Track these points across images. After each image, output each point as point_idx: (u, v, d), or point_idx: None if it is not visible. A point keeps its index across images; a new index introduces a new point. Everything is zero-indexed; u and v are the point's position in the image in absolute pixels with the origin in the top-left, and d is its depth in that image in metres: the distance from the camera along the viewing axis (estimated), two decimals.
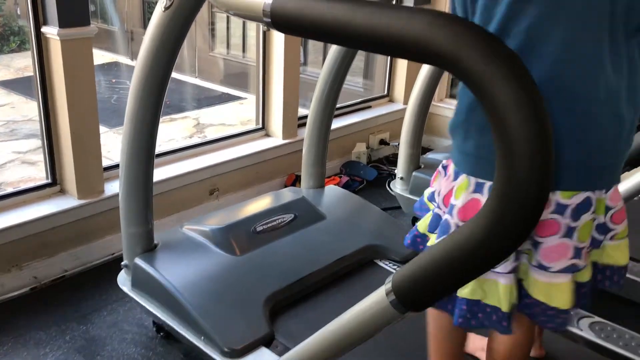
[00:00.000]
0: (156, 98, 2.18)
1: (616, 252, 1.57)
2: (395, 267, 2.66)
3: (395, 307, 1.30)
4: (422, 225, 1.68)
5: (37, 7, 2.64)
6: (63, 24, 2.60)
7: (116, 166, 3.01)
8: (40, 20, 2.66)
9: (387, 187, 3.67)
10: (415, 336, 1.96)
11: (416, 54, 1.13)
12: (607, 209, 1.49)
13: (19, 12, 7.48)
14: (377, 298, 1.35)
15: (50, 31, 2.63)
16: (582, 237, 1.45)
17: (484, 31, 1.08)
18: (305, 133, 3.10)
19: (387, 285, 1.31)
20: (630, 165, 2.33)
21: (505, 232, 1.07)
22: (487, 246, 1.11)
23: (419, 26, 1.08)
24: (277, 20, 1.36)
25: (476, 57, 1.03)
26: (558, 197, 1.40)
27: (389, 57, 4.66)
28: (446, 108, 4.63)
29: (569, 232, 1.42)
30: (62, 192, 2.96)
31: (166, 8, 1.97)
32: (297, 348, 1.60)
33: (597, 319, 2.45)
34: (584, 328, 2.40)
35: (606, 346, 2.30)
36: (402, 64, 4.63)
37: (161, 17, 2.01)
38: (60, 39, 2.62)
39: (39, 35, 2.68)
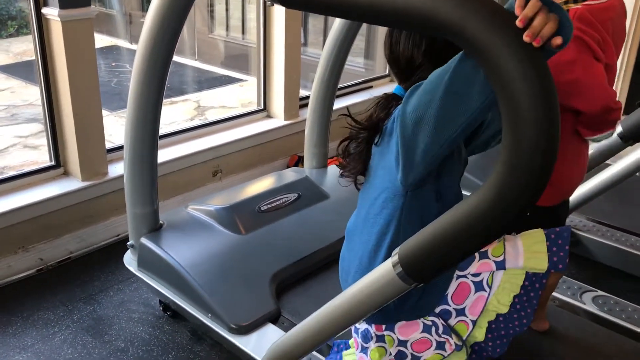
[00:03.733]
0: (159, 78, 2.18)
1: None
2: None
3: (403, 279, 1.31)
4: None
5: None
6: (64, 4, 2.59)
7: (119, 148, 3.02)
8: (40, 1, 2.65)
9: None
10: None
11: (421, 24, 1.13)
12: None
13: None
14: (384, 270, 1.36)
15: (51, 12, 2.62)
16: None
17: (489, 0, 1.08)
18: (308, 113, 3.10)
19: (394, 258, 1.33)
20: (634, 140, 2.33)
21: (512, 200, 1.08)
22: (493, 215, 1.12)
23: None
24: None
25: (481, 26, 1.04)
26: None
27: None
28: None
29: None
30: (66, 174, 2.97)
31: None
32: (306, 320, 1.62)
33: (600, 292, 2.48)
34: (587, 301, 2.42)
35: (609, 319, 2.32)
36: None
37: None
38: (61, 20, 2.61)
39: (39, 17, 2.67)
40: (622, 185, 2.77)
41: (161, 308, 2.54)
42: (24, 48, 6.90)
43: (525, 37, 1.02)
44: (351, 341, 1.87)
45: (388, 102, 1.45)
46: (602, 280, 2.71)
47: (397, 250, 1.33)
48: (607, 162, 2.63)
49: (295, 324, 1.98)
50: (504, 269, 1.52)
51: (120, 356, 2.30)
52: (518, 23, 1.03)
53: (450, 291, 1.53)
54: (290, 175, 2.99)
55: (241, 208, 2.58)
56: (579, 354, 2.09)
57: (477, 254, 1.52)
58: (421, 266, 1.29)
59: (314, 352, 1.95)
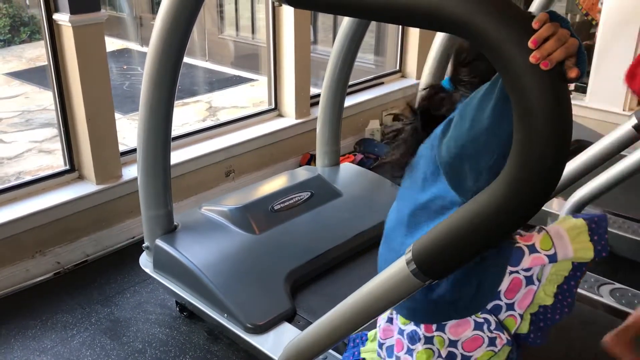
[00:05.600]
0: (170, 80, 2.19)
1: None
2: None
3: (416, 276, 1.30)
4: None
5: None
6: (74, 10, 2.61)
7: (133, 151, 3.04)
8: (51, 7, 2.67)
9: None
10: None
11: (428, 20, 1.12)
12: None
13: (27, 1, 7.50)
14: (397, 268, 1.36)
15: (62, 18, 2.65)
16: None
17: None
18: (319, 112, 3.10)
19: (408, 255, 1.32)
20: None
21: (524, 194, 1.07)
22: (506, 211, 1.11)
23: None
24: None
25: (489, 20, 1.03)
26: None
27: (400, 33, 4.63)
28: None
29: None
30: (81, 178, 3.00)
31: None
32: (322, 318, 1.62)
33: (617, 285, 2.46)
34: (604, 294, 2.40)
35: (627, 311, 2.29)
36: (413, 39, 4.59)
37: None
38: (72, 25, 2.63)
39: (51, 23, 2.70)
40: (638, 176, 2.73)
41: (178, 309, 2.56)
42: (37, 53, 6.97)
43: (532, 59, 0.98)
44: (369, 333, 1.87)
45: (435, 91, 1.46)
46: (619, 273, 2.68)
47: (410, 247, 1.33)
48: (622, 153, 2.60)
49: (311, 323, 1.98)
50: (556, 261, 1.54)
51: (138, 357, 2.32)
52: (530, 44, 0.99)
53: (504, 287, 1.53)
54: (303, 173, 2.99)
55: (254, 208, 2.59)
56: (597, 347, 2.06)
57: (526, 249, 1.52)
58: (434, 263, 1.28)
59: (331, 350, 1.95)
